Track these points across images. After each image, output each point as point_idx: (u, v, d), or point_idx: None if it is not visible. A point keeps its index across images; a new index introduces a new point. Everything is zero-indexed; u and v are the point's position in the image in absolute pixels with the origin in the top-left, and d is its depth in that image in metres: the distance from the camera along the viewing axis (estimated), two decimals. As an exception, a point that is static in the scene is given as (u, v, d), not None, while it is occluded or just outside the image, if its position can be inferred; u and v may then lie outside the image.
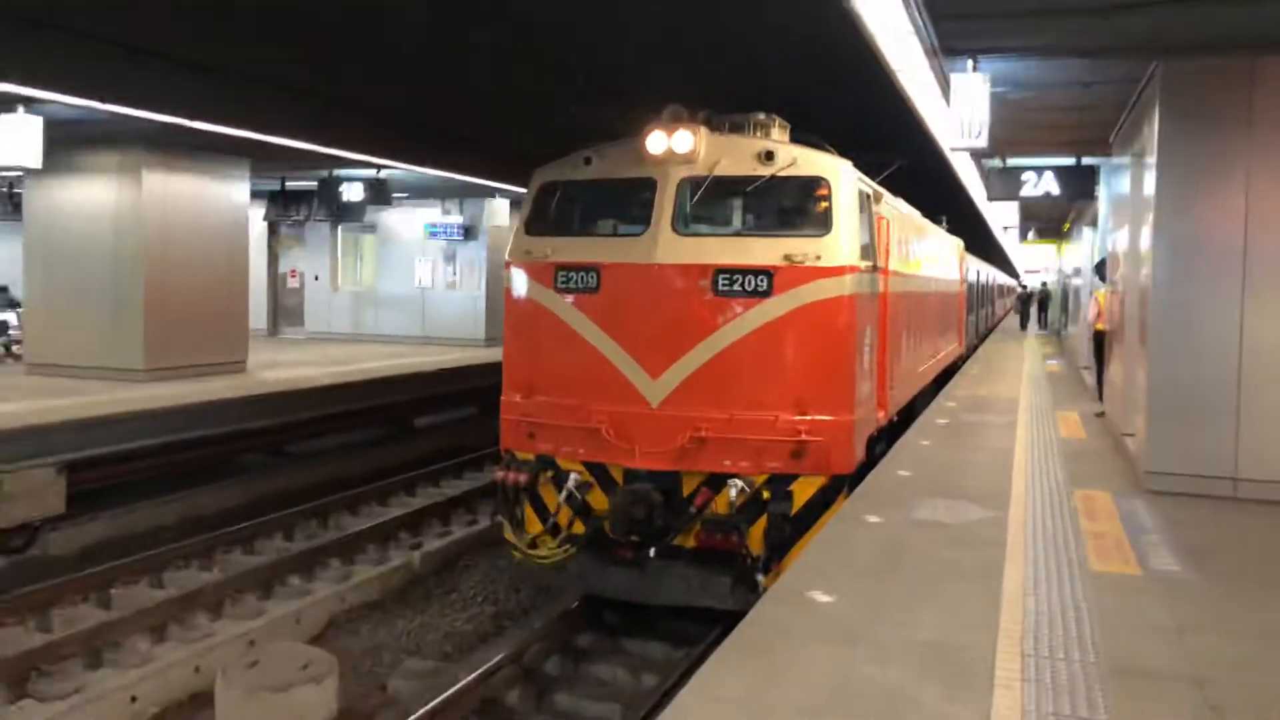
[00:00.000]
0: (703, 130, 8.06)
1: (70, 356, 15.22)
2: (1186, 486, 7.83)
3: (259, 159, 16.95)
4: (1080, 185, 13.37)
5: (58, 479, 10.76)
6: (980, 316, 27.90)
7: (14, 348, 17.93)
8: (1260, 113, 7.68)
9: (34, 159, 11.99)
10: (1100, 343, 13.38)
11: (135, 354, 14.89)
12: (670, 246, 7.86)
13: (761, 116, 8.79)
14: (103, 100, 11.11)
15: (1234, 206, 7.75)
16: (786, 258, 7.68)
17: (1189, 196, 7.97)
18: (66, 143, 13.89)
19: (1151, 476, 8.04)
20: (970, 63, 8.69)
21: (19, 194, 18.09)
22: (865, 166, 9.28)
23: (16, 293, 18.76)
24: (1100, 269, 13.57)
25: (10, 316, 18.92)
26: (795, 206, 8.29)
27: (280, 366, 17.44)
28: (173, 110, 12.02)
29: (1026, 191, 13.33)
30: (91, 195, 15.35)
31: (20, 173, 15.78)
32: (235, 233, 17.07)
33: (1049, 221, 25.91)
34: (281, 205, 23.70)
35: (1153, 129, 8.36)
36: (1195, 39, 7.81)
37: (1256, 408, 7.65)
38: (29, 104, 11.55)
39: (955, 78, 8.75)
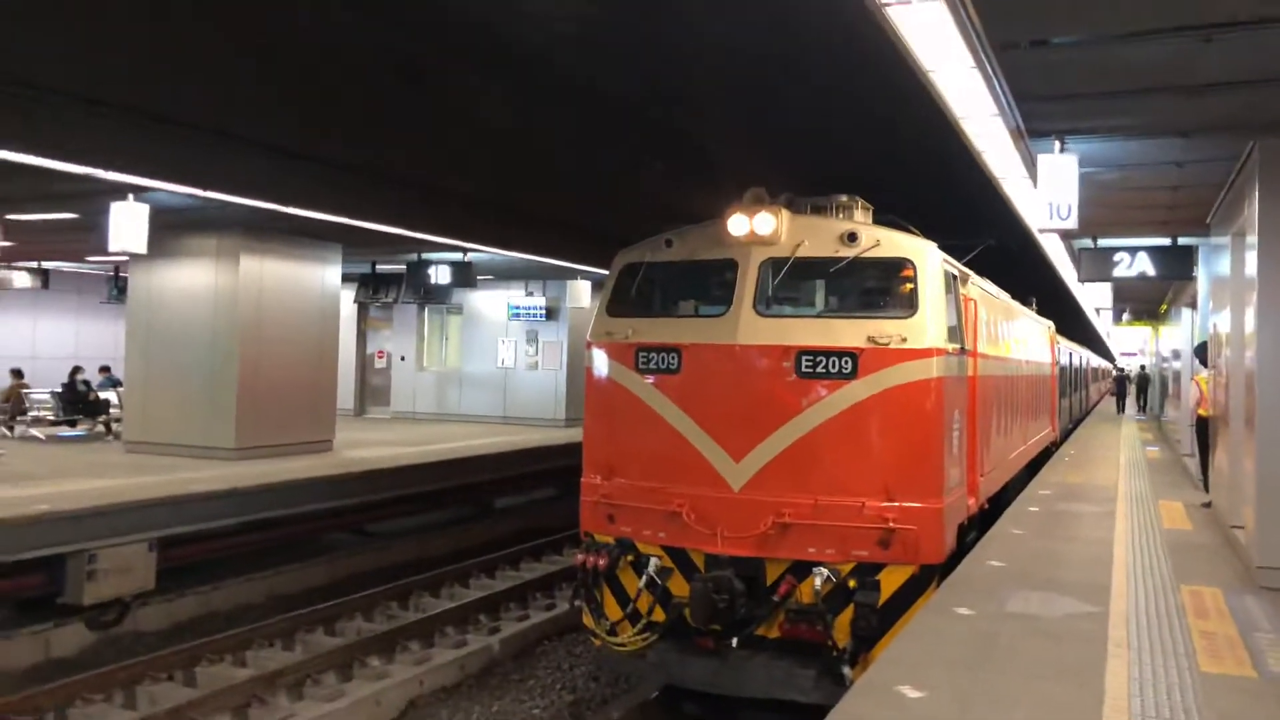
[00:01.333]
0: (785, 212, 8.05)
1: (166, 435, 15.71)
2: (1304, 582, 7.35)
3: (351, 243, 17.54)
4: (1177, 265, 12.98)
5: (148, 555, 11.00)
6: (1074, 401, 27.06)
7: (114, 426, 18.60)
8: (1368, 189, 7.38)
9: (140, 244, 12.57)
10: (1203, 429, 12.83)
11: (227, 433, 15.30)
12: (752, 327, 7.80)
13: (844, 198, 8.76)
14: (204, 188, 11.64)
15: (1343, 287, 7.41)
16: (871, 339, 7.55)
17: (1294, 276, 7.65)
18: (169, 228, 14.55)
19: (1264, 572, 7.57)
20: (1057, 144, 8.58)
21: (124, 279, 18.96)
22: (951, 248, 9.15)
23: (119, 373, 19.51)
24: (1201, 352, 13.06)
25: (112, 395, 19.66)
26: (880, 288, 8.18)
27: (365, 446, 17.74)
28: (270, 197, 12.54)
29: (1120, 272, 12.98)
30: (191, 278, 16.01)
31: (126, 258, 16.55)
32: (326, 315, 17.59)
33: (1144, 303, 25.22)
34: (371, 288, 24.43)
35: (1253, 207, 8.09)
36: (1293, 116, 7.60)
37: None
38: (138, 192, 12.16)
39: (1042, 158, 8.64)
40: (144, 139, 9.62)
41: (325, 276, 17.57)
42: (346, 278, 20.44)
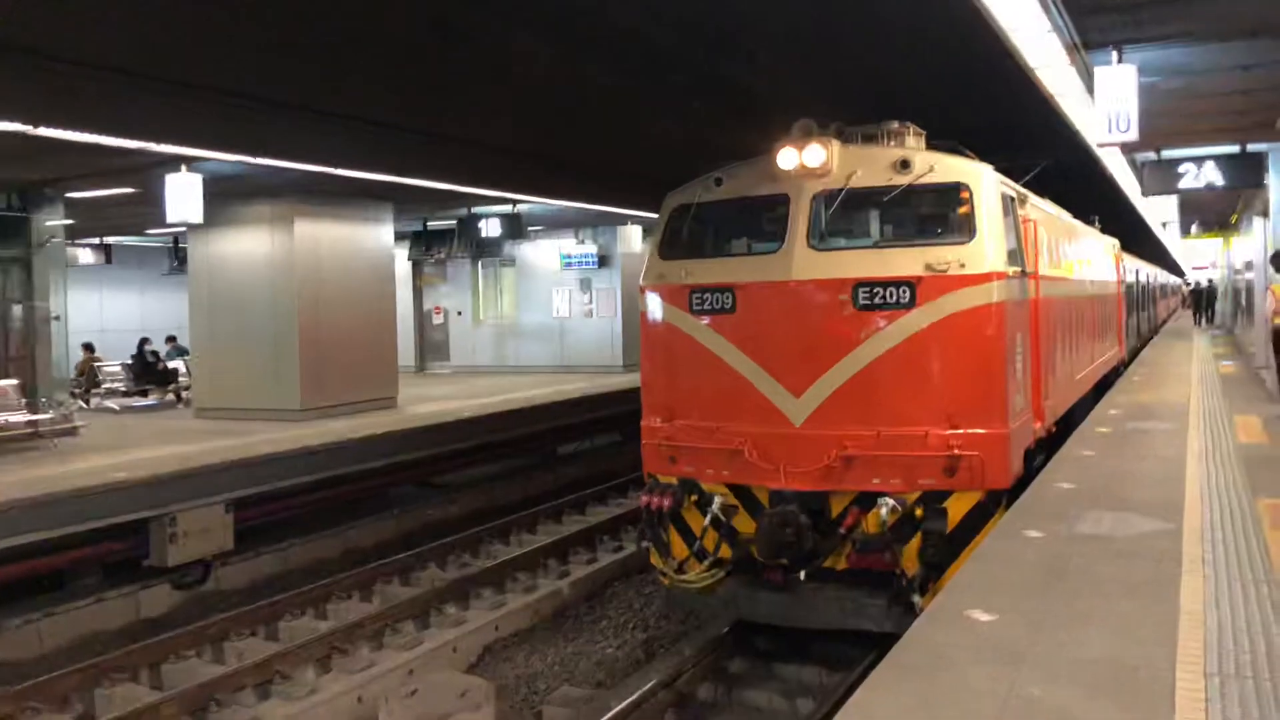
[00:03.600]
0: (835, 143, 7.90)
1: (234, 399, 16.11)
2: (1388, 491, 7.17)
3: (401, 202, 17.66)
4: (1247, 173, 12.54)
5: (225, 517, 11.35)
6: (1141, 319, 26.43)
7: (184, 394, 19.12)
8: None
9: (196, 214, 12.81)
10: (1279, 340, 12.46)
11: (292, 395, 15.64)
12: (807, 262, 7.72)
13: (895, 125, 8.56)
14: (255, 155, 11.77)
15: None
16: (929, 267, 7.43)
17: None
18: (224, 196, 14.77)
19: (1346, 481, 7.40)
20: (1115, 54, 8.30)
21: (184, 249, 19.34)
22: (1008, 169, 8.92)
23: (184, 342, 19.99)
24: (1277, 260, 12.66)
25: (179, 364, 20.17)
26: (936, 214, 8.03)
27: (428, 401, 18.02)
28: (320, 160, 12.64)
29: (1186, 184, 12.59)
30: (248, 245, 16.29)
31: (184, 228, 16.86)
32: (382, 274, 17.80)
33: (1213, 214, 24.49)
34: (424, 245, 24.73)
35: (1325, 107, 7.76)
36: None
37: None
38: (190, 163, 12.34)
39: (1099, 70, 8.37)
40: (195, 112, 9.75)
41: (379, 236, 17.75)
42: (399, 236, 20.67)
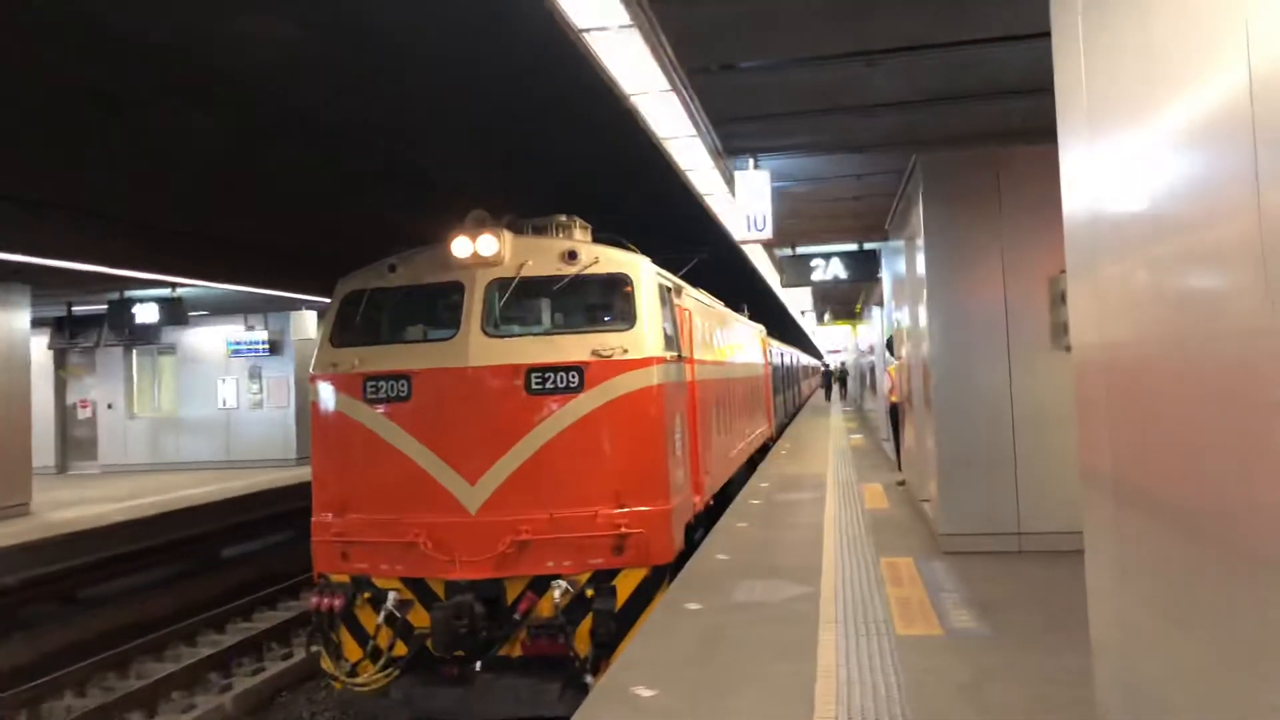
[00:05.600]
0: (507, 233, 8.17)
1: None
2: (978, 545, 8.31)
3: (41, 285, 15.99)
4: (864, 268, 14.27)
5: None
6: (787, 397, 29.02)
7: None
8: (1007, 196, 8.48)
9: None
10: (896, 414, 14.15)
11: (-105, 505, 13.52)
12: (482, 348, 7.87)
13: (563, 218, 9.00)
14: None
15: (993, 281, 8.47)
16: (595, 353, 7.82)
17: (955, 274, 8.67)
18: None
19: (947, 539, 8.51)
20: (751, 161, 9.26)
21: None
22: (667, 261, 9.62)
23: None
24: (890, 344, 14.43)
25: None
26: (600, 303, 8.48)
27: (70, 505, 16.18)
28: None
29: (817, 276, 14.11)
30: None
31: None
32: (13, 364, 15.93)
33: (842, 303, 27.45)
34: (68, 332, 22.42)
35: (919, 214, 9.08)
36: (947, 132, 8.63)
37: (1030, 464, 8.26)
38: None
39: (738, 175, 9.28)
40: None
41: (11, 322, 15.90)
42: (38, 322, 18.63)
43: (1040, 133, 7.81)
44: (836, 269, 13.93)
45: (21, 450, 16.03)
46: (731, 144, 8.94)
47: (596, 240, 8.96)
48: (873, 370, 23.35)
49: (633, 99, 7.23)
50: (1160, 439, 2.64)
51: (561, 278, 8.14)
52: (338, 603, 7.80)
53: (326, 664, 7.98)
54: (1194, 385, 2.35)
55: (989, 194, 8.57)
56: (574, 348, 7.89)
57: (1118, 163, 2.89)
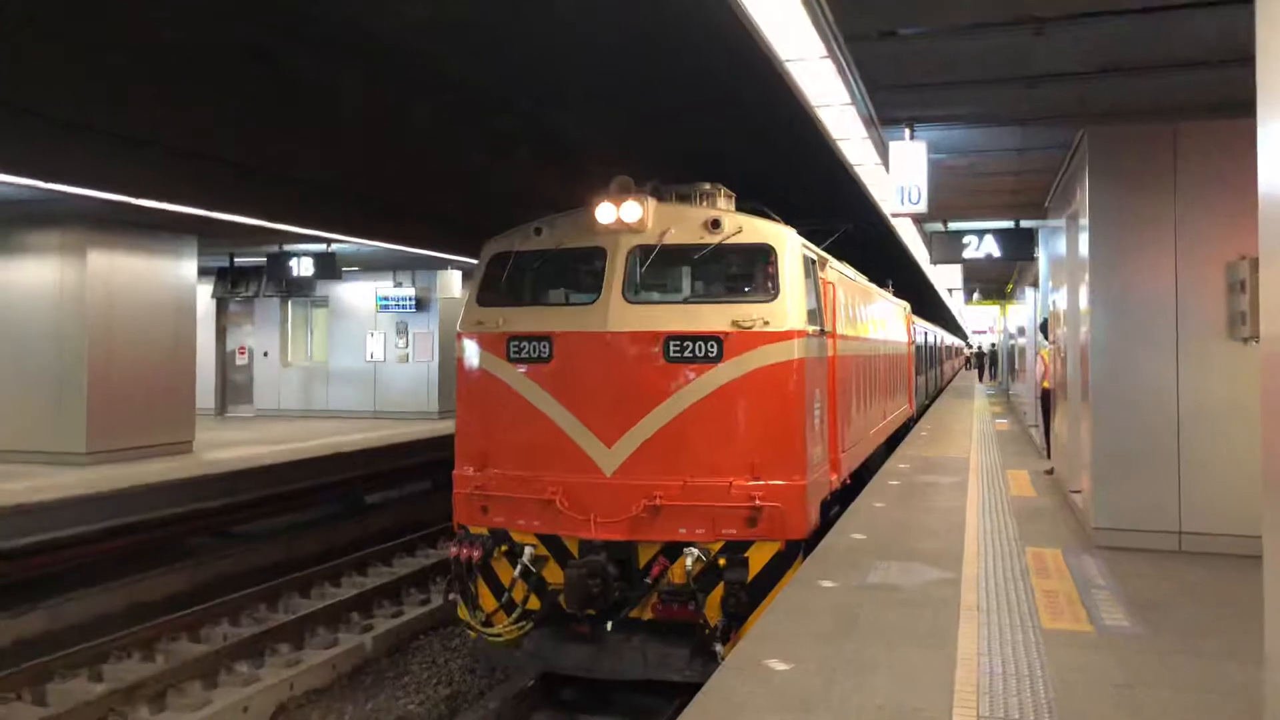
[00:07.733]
0: (650, 200, 8.16)
1: (10, 441, 14.85)
2: (1133, 541, 7.91)
3: (206, 235, 16.88)
4: (1020, 247, 13.70)
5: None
6: (930, 378, 28.25)
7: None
8: (1184, 174, 7.95)
9: (-28, 240, 11.83)
10: (1047, 400, 13.59)
11: (77, 437, 14.57)
12: (621, 314, 7.90)
13: (707, 186, 8.93)
14: (43, 179, 11.02)
15: (1164, 264, 7.97)
16: (735, 323, 7.75)
17: (1121, 256, 8.19)
18: (7, 222, 13.74)
19: (1099, 533, 8.12)
20: (907, 131, 8.95)
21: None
22: (811, 233, 9.43)
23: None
24: (1045, 328, 13.84)
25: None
26: (742, 273, 8.39)
27: (228, 446, 17.14)
28: (116, 188, 11.95)
29: (969, 254, 13.61)
30: (33, 275, 15.16)
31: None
32: (182, 311, 16.91)
33: (992, 283, 26.50)
34: (230, 281, 23.67)
35: (1084, 192, 8.62)
36: (1118, 105, 8.13)
37: (1195, 461, 7.78)
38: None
39: (893, 145, 8.99)
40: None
41: (179, 271, 16.86)
42: (203, 271, 19.70)
43: (1228, 106, 7.36)
44: (990, 246, 13.39)
45: (187, 392, 17.03)
46: (886, 113, 8.65)
47: (740, 209, 8.86)
48: (1021, 353, 22.48)
49: (787, 64, 7.06)
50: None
51: (704, 246, 8.08)
52: (476, 553, 8.02)
53: (463, 613, 8.23)
54: None
55: (1164, 171, 8.05)
56: (713, 317, 7.84)
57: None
